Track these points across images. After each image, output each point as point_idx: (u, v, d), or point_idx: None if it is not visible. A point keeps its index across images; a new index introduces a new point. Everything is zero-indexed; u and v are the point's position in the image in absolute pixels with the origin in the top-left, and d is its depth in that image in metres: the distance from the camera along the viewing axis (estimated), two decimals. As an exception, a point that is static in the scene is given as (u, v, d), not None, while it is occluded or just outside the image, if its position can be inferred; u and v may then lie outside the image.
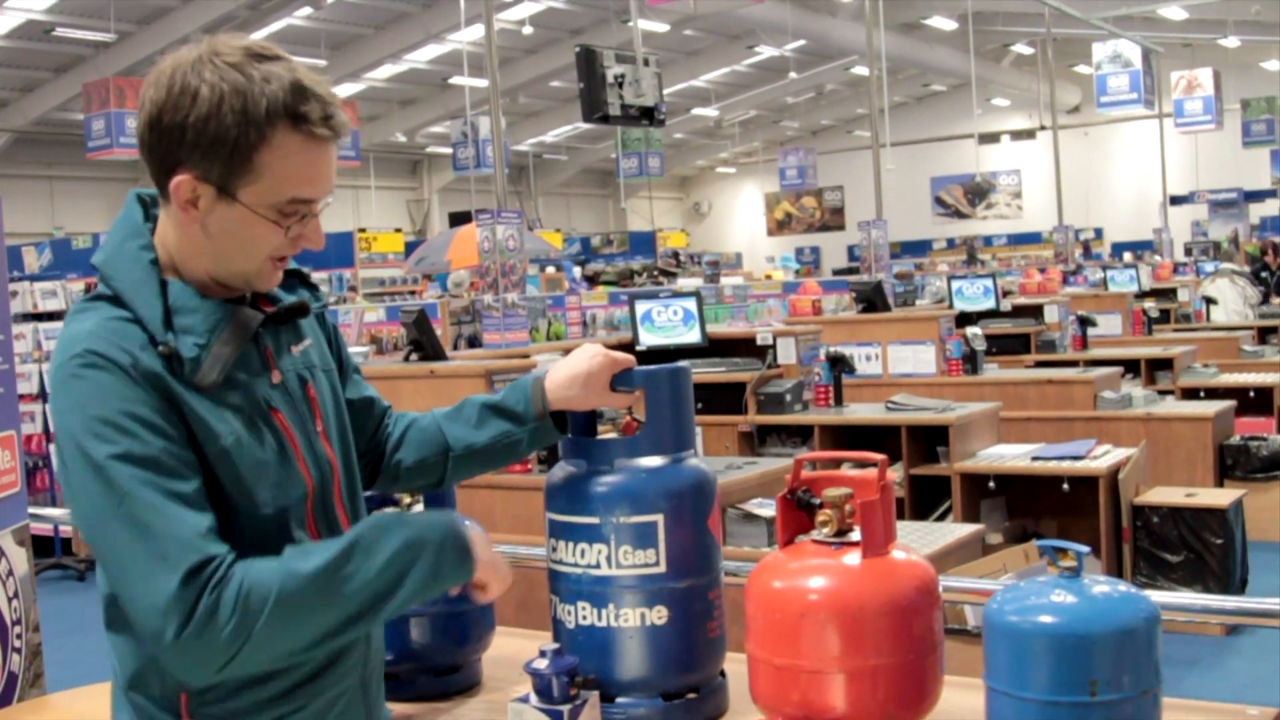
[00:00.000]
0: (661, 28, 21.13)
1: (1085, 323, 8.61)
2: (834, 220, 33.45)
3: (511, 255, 7.53)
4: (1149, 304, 10.29)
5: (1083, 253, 22.61)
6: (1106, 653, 1.49)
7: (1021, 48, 27.56)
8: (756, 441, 6.27)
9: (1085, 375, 7.23)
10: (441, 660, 2.06)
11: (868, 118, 15.24)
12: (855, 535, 1.70)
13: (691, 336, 6.09)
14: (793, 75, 25.18)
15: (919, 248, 30.89)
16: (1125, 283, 11.24)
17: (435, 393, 4.25)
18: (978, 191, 32.05)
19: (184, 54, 1.51)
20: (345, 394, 1.78)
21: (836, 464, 2.18)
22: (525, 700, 1.76)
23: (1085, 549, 1.59)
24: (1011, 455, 6.07)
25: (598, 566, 1.76)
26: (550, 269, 17.39)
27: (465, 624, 2.06)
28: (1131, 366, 8.26)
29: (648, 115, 9.18)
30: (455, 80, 22.75)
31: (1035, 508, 6.25)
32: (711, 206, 38.12)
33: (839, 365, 6.34)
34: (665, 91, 9.63)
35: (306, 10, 18.60)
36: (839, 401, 6.35)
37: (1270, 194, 27.28)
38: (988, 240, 30.70)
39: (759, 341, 6.32)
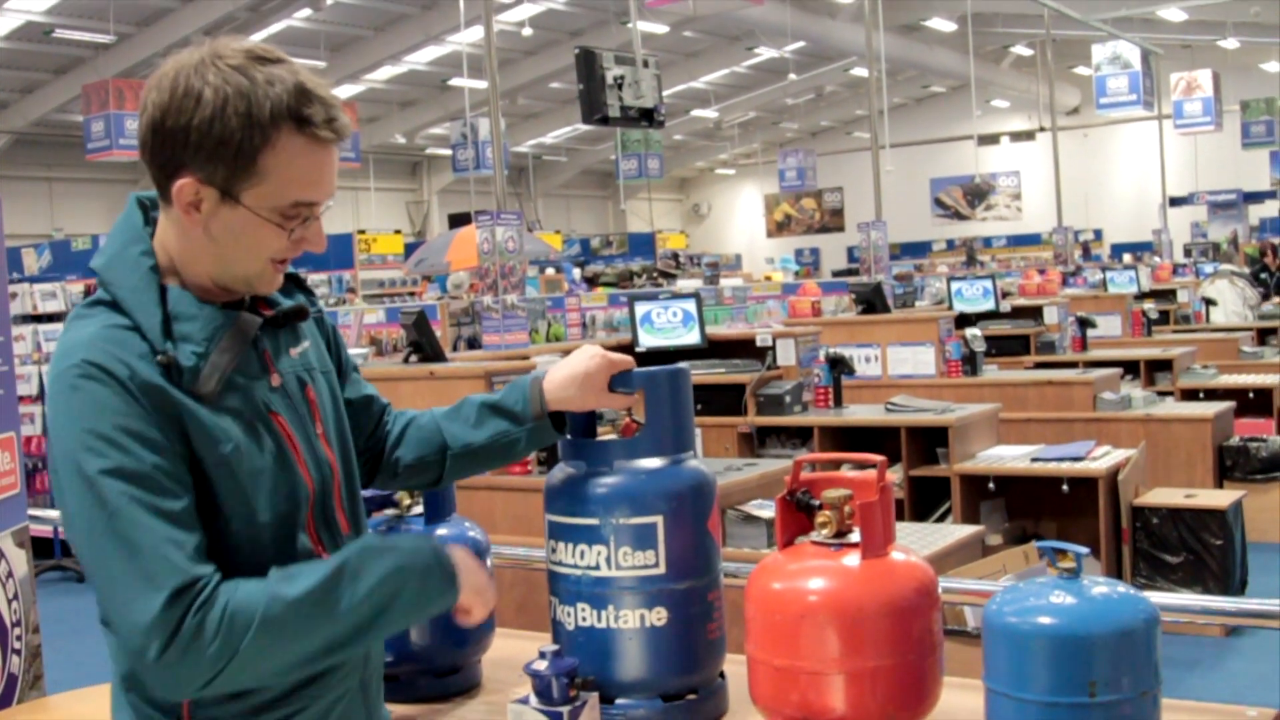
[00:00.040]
0: (661, 29, 21.14)
1: (1085, 324, 8.61)
2: (833, 222, 33.47)
3: (511, 257, 7.53)
4: (1148, 305, 10.30)
5: (1082, 254, 22.62)
6: (1106, 654, 1.49)
7: (1021, 49, 27.57)
8: (756, 443, 6.27)
9: (1085, 376, 7.23)
10: (441, 662, 2.06)
11: (867, 119, 15.24)
12: (855, 537, 1.70)
13: (691, 338, 6.09)
14: (792, 77, 25.18)
15: (918, 249, 30.91)
16: (1125, 284, 11.24)
17: (435, 394, 4.25)
18: (977, 193, 32.06)
19: (186, 56, 1.51)
20: (345, 394, 1.78)
21: (836, 465, 2.17)
22: (525, 702, 1.76)
23: (1084, 550, 1.59)
24: (1011, 456, 6.07)
25: (597, 568, 1.76)
26: (550, 270, 17.40)
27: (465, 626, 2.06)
28: (1131, 368, 8.26)
29: (647, 117, 9.18)
30: (455, 82, 22.76)
31: (1035, 509, 6.26)
32: (711, 208, 38.13)
33: (838, 367, 6.34)
34: (665, 93, 9.63)
35: (306, 12, 18.60)
36: (838, 403, 6.35)
37: (1269, 195, 27.30)
38: (987, 241, 30.71)
39: (758, 343, 6.32)
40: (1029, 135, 28.21)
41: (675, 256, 24.45)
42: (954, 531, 4.37)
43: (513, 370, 4.28)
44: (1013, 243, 30.80)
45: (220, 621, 1.39)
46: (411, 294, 16.09)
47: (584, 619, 1.77)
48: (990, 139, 28.57)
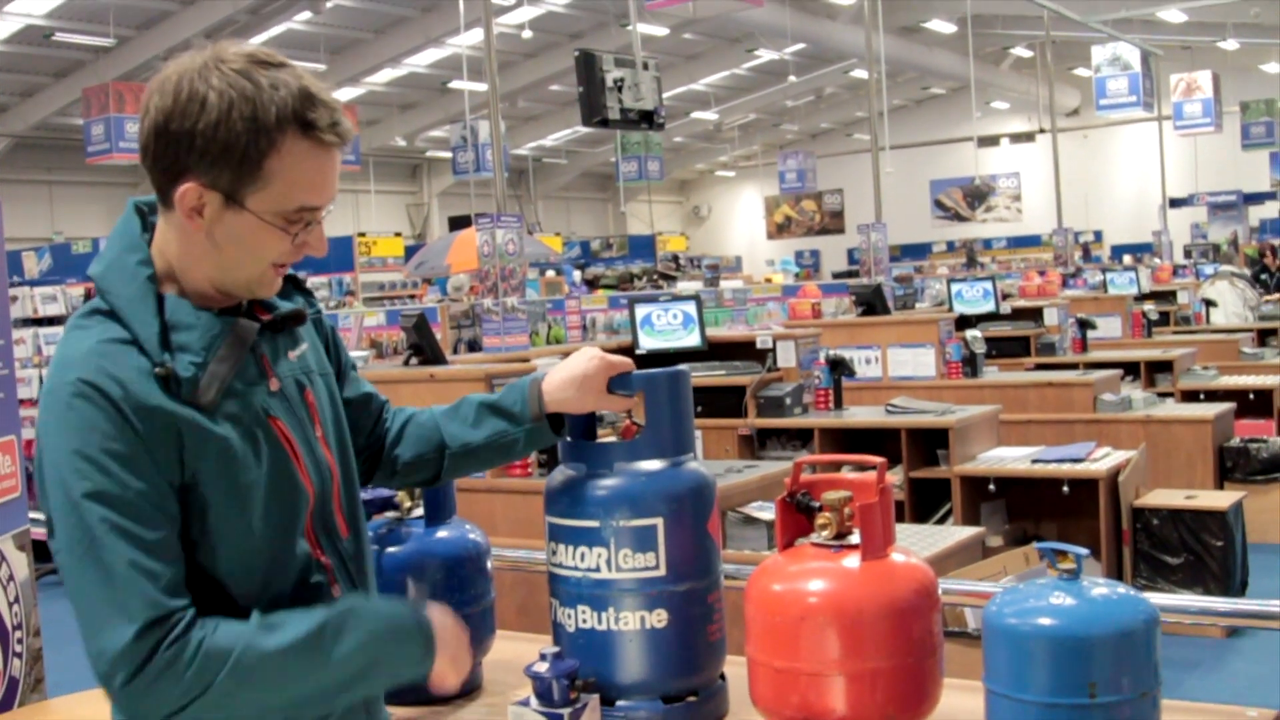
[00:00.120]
0: (661, 31, 21.14)
1: (1085, 325, 8.61)
2: (833, 223, 33.48)
3: (511, 259, 7.53)
4: (1148, 306, 10.29)
5: (1082, 255, 22.60)
6: (1105, 655, 1.49)
7: (1020, 51, 27.57)
8: (756, 445, 6.27)
9: (1085, 378, 7.23)
10: (442, 664, 2.06)
11: (867, 121, 15.25)
12: (855, 538, 1.70)
13: (691, 340, 6.09)
14: (792, 79, 25.18)
15: (918, 251, 30.91)
16: (1125, 285, 11.25)
17: (435, 397, 4.23)
18: (977, 194, 32.06)
19: (188, 61, 1.50)
20: (344, 393, 1.79)
21: (836, 467, 2.17)
22: (526, 704, 1.76)
23: (1084, 551, 1.59)
24: (1011, 458, 6.07)
25: (598, 570, 1.76)
26: (550, 273, 17.42)
27: (465, 627, 2.06)
28: (1131, 369, 8.26)
29: (647, 119, 9.18)
30: (455, 84, 22.75)
31: (1035, 510, 6.26)
32: (711, 210, 38.13)
33: (839, 368, 6.35)
34: (664, 95, 9.63)
35: (306, 15, 18.60)
36: (839, 404, 6.36)
37: (1269, 196, 27.30)
38: (987, 243, 30.70)
39: (759, 345, 6.33)
40: (1029, 137, 28.21)
41: (675, 259, 24.47)
42: (954, 533, 4.38)
43: (513, 373, 4.28)
44: (1013, 244, 30.80)
45: (192, 660, 1.39)
46: (412, 296, 16.10)
47: (584, 621, 1.78)
48: (990, 140, 28.57)
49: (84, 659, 1.42)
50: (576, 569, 1.78)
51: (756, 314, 11.93)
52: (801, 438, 6.26)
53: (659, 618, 1.75)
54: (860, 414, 6.35)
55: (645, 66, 9.12)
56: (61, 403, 1.45)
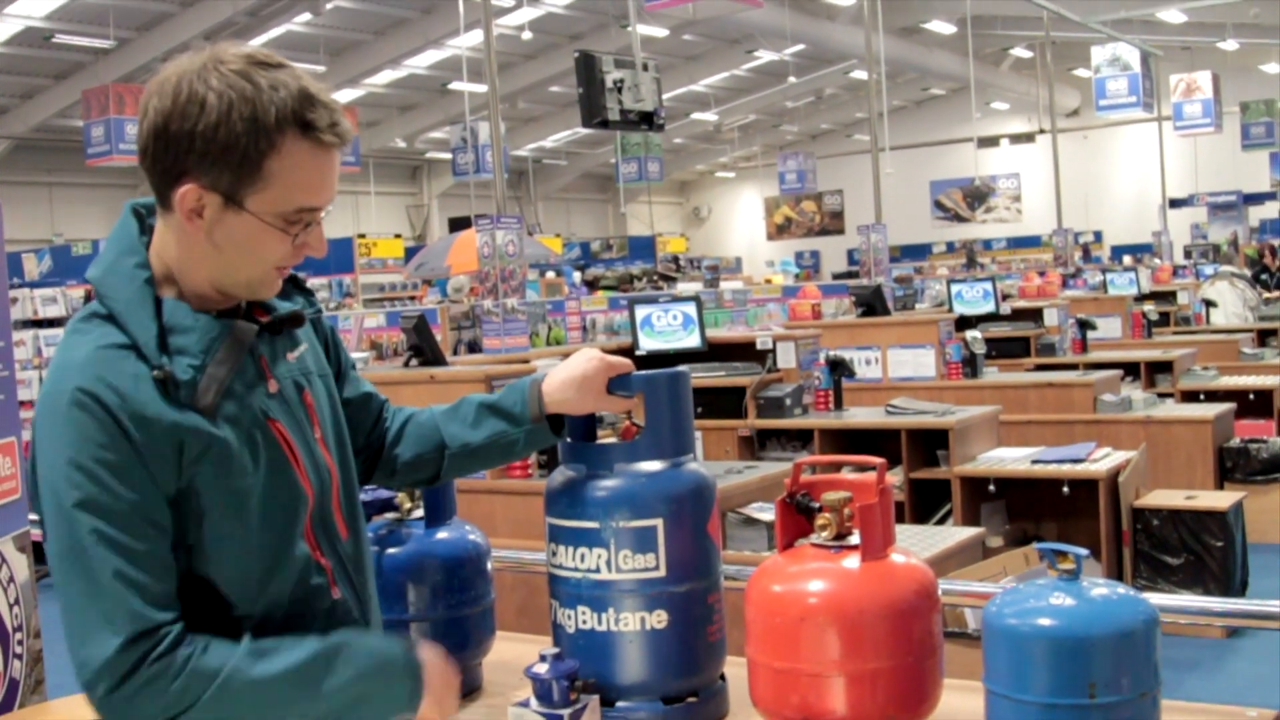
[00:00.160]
0: (660, 32, 21.15)
1: (1085, 326, 8.61)
2: (833, 224, 33.50)
3: (511, 260, 7.53)
4: (1148, 307, 10.29)
5: (1082, 256, 22.60)
6: (1105, 655, 1.49)
7: (1020, 51, 27.57)
8: (756, 446, 6.27)
9: (1085, 378, 7.23)
10: (442, 665, 2.06)
11: (867, 122, 15.25)
12: (854, 539, 1.70)
13: (691, 341, 6.09)
14: (792, 79, 25.19)
15: (918, 251, 30.91)
16: (1125, 286, 11.25)
17: (435, 398, 4.22)
18: (977, 195, 32.07)
19: (186, 62, 1.50)
20: (344, 392, 1.79)
21: (836, 468, 2.17)
22: (526, 705, 1.76)
23: (1084, 552, 1.59)
24: (1011, 458, 6.07)
25: (597, 571, 1.76)
26: (550, 274, 17.43)
27: (465, 629, 2.06)
28: (1131, 369, 8.26)
29: (647, 120, 9.18)
30: (455, 86, 22.75)
31: (1035, 511, 6.26)
32: (711, 211, 38.13)
33: (839, 369, 6.35)
34: (664, 96, 9.63)
35: (306, 16, 18.60)
36: (839, 405, 6.36)
37: (1269, 196, 27.30)
38: (987, 244, 30.70)
39: (759, 346, 6.33)
40: (1029, 137, 28.21)
41: (675, 259, 24.48)
42: (954, 534, 4.38)
43: (513, 374, 4.28)
44: (1013, 245, 30.80)
45: (176, 677, 1.40)
46: (412, 298, 16.12)
47: (584, 622, 1.78)
48: (990, 141, 28.57)
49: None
50: (576, 570, 1.78)
51: (756, 315, 11.94)
52: (801, 438, 6.26)
53: (659, 619, 1.75)
54: (860, 415, 6.35)
55: (645, 68, 9.12)
56: (59, 411, 1.45)
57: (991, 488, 6.03)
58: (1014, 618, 1.55)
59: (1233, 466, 7.10)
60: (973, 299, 8.84)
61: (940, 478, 6.07)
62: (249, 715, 1.44)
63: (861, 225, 12.94)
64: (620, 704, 1.78)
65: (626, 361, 1.84)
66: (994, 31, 23.65)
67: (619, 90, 8.82)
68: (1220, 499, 5.95)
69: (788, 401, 6.13)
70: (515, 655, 2.13)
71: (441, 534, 2.08)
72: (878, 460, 1.72)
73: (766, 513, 4.01)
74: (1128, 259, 22.06)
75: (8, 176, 21.76)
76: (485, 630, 2.10)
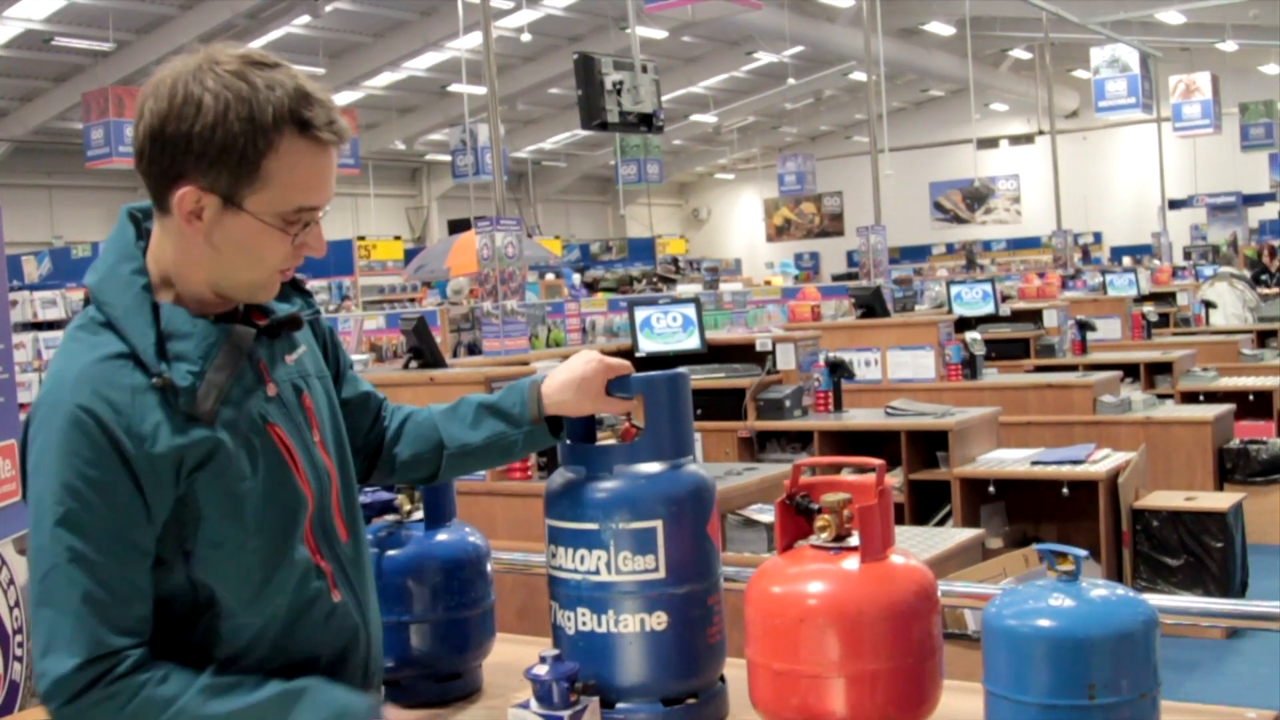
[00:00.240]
0: (660, 34, 21.16)
1: (1084, 327, 8.61)
2: (833, 226, 33.50)
3: (511, 262, 7.53)
4: (1148, 308, 10.29)
5: (1082, 257, 22.61)
6: (1104, 656, 1.49)
7: (1019, 53, 27.58)
8: (756, 447, 6.27)
9: (1084, 379, 7.23)
10: (442, 667, 2.06)
11: (866, 123, 15.26)
12: (854, 540, 1.70)
13: (691, 343, 6.09)
14: (791, 81, 25.20)
15: (918, 253, 30.93)
16: (1124, 287, 11.26)
17: (435, 400, 4.21)
18: (976, 196, 32.09)
19: (181, 64, 1.49)
20: (342, 392, 1.78)
21: (835, 469, 2.18)
22: (526, 706, 1.76)
23: (1084, 553, 1.59)
24: (1011, 460, 6.07)
25: (597, 572, 1.76)
26: (549, 276, 17.44)
27: (465, 630, 2.06)
28: (1131, 371, 8.26)
29: (646, 122, 9.19)
30: (454, 88, 22.78)
31: (1035, 512, 6.25)
32: (710, 213, 38.15)
33: (838, 371, 6.35)
34: (664, 98, 9.64)
35: (305, 18, 18.62)
36: (838, 407, 6.36)
37: (1269, 198, 27.31)
38: (987, 245, 30.73)
39: (758, 347, 6.33)
40: (1028, 139, 28.26)
41: (675, 261, 24.51)
42: (954, 535, 4.38)
43: (512, 376, 4.28)
44: (1012, 246, 30.82)
45: (129, 702, 1.41)
46: (411, 300, 16.13)
47: (584, 623, 1.77)
48: (989, 142, 28.60)
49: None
50: (576, 571, 1.78)
51: (756, 316, 11.95)
52: (801, 440, 6.26)
53: (659, 620, 1.75)
54: (860, 416, 6.35)
55: (644, 69, 9.13)
56: (56, 427, 1.44)
57: (991, 489, 6.03)
58: (1013, 619, 1.55)
59: (1232, 467, 7.10)
60: (972, 300, 8.84)
61: (940, 479, 6.07)
62: None
63: (861, 227, 12.94)
64: (620, 705, 1.78)
65: (626, 363, 1.84)
66: (993, 33, 23.67)
67: (618, 92, 8.83)
68: (1220, 500, 5.95)
69: (787, 403, 6.13)
70: (515, 657, 2.13)
71: (441, 536, 2.08)
72: (877, 462, 1.72)
73: (766, 514, 4.01)
74: (1127, 260, 22.08)
75: (7, 179, 21.78)
76: (485, 632, 2.10)
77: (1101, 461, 5.93)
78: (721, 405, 6.22)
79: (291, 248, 1.54)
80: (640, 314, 6.16)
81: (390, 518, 2.14)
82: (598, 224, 35.67)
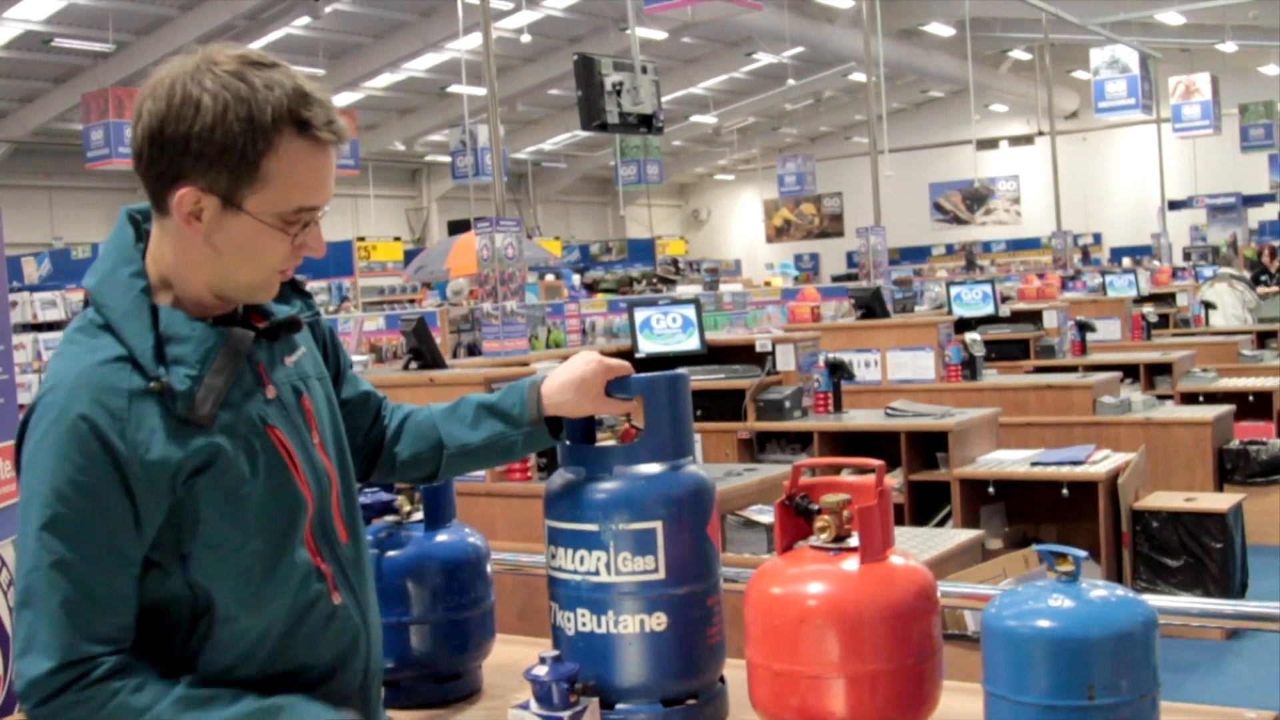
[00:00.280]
0: (659, 35, 21.16)
1: (1084, 328, 8.61)
2: (833, 227, 33.48)
3: (510, 263, 7.54)
4: (1148, 309, 10.30)
5: (1081, 258, 22.62)
6: (1104, 657, 1.49)
7: (1019, 54, 27.59)
8: (756, 448, 6.27)
9: (1084, 380, 7.23)
10: (442, 668, 2.06)
11: (866, 124, 15.26)
12: (854, 541, 1.70)
13: (690, 343, 6.09)
14: (791, 82, 25.21)
15: (918, 254, 30.93)
16: (1124, 288, 11.27)
17: (435, 401, 4.25)
18: (976, 197, 32.07)
19: (179, 64, 1.49)
20: (342, 392, 1.78)
21: (835, 470, 2.18)
22: (525, 707, 1.76)
23: (1083, 554, 1.59)
24: (1011, 461, 6.07)
25: (597, 573, 1.76)
26: (549, 277, 17.45)
27: (465, 631, 2.06)
28: (1130, 371, 8.26)
29: (646, 123, 9.19)
30: (454, 89, 22.78)
31: (1035, 513, 6.25)
32: (710, 213, 38.15)
33: (838, 372, 6.35)
34: (664, 99, 9.64)
35: (305, 19, 18.62)
36: (838, 408, 6.36)
37: (1269, 198, 27.32)
38: (986, 246, 30.73)
39: (758, 348, 6.33)
40: (1028, 139, 28.27)
41: (675, 262, 24.51)
42: (954, 536, 4.37)
43: (512, 377, 4.28)
44: (1012, 247, 30.82)
45: (101, 708, 1.41)
46: (411, 301, 16.14)
47: (584, 624, 1.77)
48: (989, 143, 28.61)
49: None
50: (576, 572, 1.78)
51: (756, 317, 11.95)
52: (801, 441, 6.26)
53: (658, 621, 1.75)
54: (859, 417, 6.35)
55: (644, 70, 9.13)
56: (51, 428, 1.45)
57: (991, 490, 6.03)
58: (1013, 619, 1.55)
59: (1232, 468, 7.10)
60: (972, 301, 8.84)
61: (939, 480, 6.06)
62: None
63: (861, 227, 12.95)
64: (620, 706, 1.78)
65: (625, 364, 1.84)
66: (993, 34, 23.68)
67: (618, 93, 8.83)
68: (1220, 501, 5.94)
69: (787, 404, 6.13)
70: (515, 658, 2.13)
71: (441, 537, 2.08)
72: (877, 462, 1.72)
73: (766, 515, 4.01)
74: (1127, 261, 22.08)
75: (7, 180, 21.78)
76: (485, 633, 2.10)
77: (1101, 462, 5.93)
78: (721, 406, 6.22)
79: (291, 248, 1.54)
80: (640, 315, 6.16)
81: (390, 519, 2.14)
82: (597, 225, 35.68)
